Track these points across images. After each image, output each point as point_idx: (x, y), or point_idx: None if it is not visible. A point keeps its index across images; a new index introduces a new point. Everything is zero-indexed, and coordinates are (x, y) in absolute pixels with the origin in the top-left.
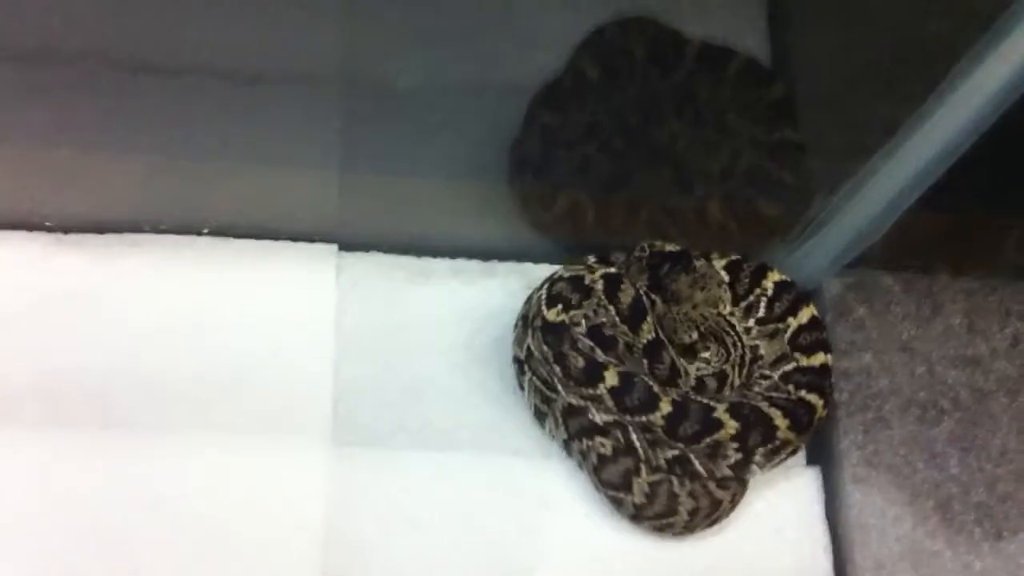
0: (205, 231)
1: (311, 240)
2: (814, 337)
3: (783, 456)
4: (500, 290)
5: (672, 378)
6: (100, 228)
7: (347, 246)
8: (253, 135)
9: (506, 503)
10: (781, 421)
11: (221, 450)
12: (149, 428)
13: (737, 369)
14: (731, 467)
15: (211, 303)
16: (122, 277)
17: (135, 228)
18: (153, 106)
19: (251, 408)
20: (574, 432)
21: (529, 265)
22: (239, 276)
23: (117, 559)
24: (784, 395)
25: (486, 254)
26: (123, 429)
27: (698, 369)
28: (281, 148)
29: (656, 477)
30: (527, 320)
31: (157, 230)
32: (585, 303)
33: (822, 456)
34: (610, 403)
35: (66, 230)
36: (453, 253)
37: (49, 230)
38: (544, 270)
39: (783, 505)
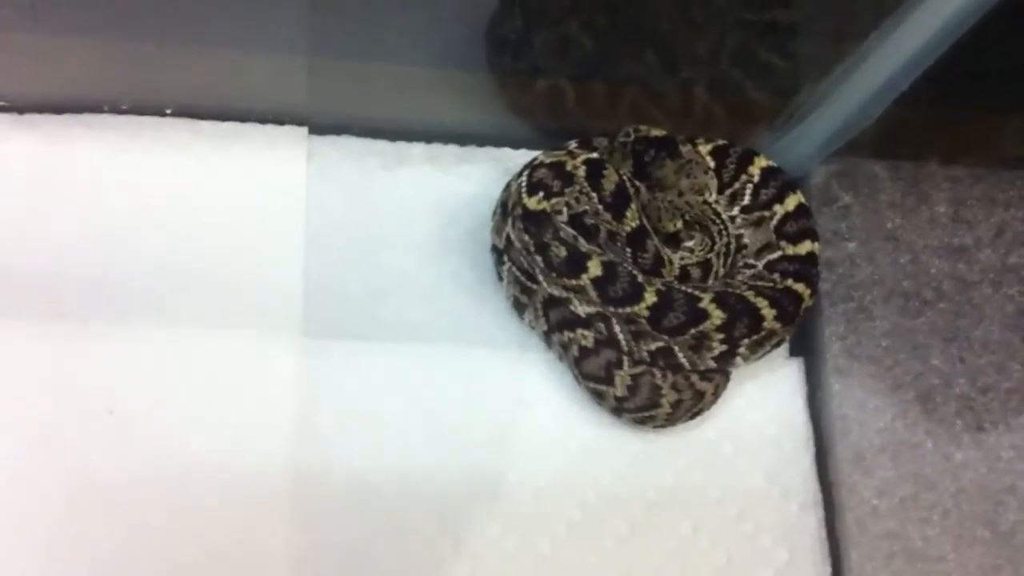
0: (168, 112)
1: (280, 122)
2: (801, 225)
3: (768, 348)
4: (477, 176)
5: (656, 267)
6: (57, 108)
7: (318, 129)
8: (218, 13)
9: (483, 396)
10: (768, 311)
11: (183, 346)
12: (104, 322)
13: (722, 258)
14: (715, 359)
15: (174, 188)
16: (79, 160)
17: (94, 108)
18: None
19: (215, 301)
20: (555, 324)
21: (507, 150)
22: (203, 160)
23: (68, 465)
24: (770, 284)
25: (463, 138)
26: (76, 324)
27: (682, 258)
28: (246, 26)
29: (638, 369)
30: (506, 208)
31: (117, 110)
32: (567, 190)
33: (805, 347)
34: (593, 294)
35: (21, 110)
36: (428, 137)
37: (3, 110)
38: (523, 156)
39: (765, 397)
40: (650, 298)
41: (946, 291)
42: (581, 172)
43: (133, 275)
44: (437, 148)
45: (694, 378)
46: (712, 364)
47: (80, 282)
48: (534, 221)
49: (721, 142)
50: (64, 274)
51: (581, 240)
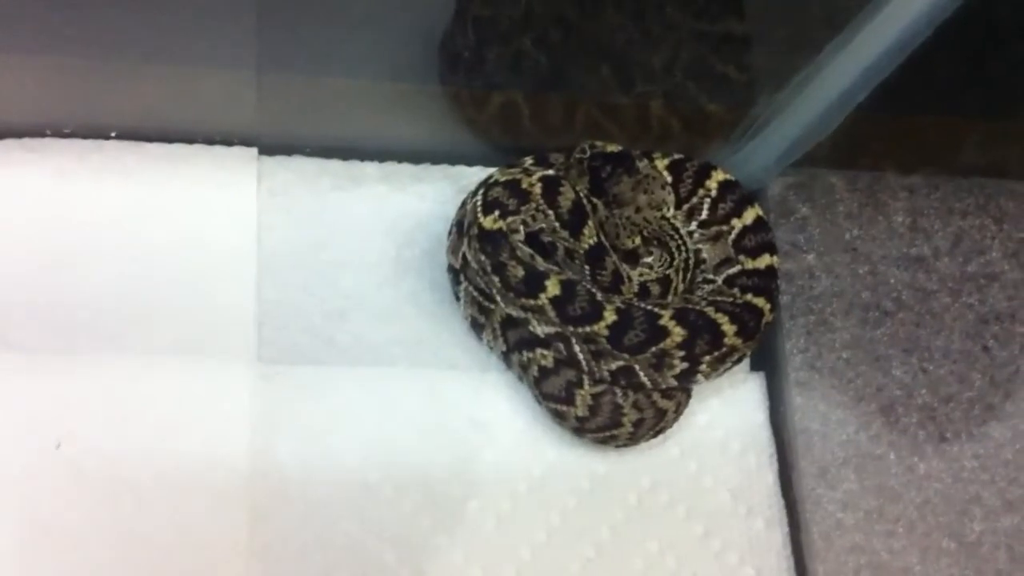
0: (113, 135)
1: (229, 143)
2: (759, 239)
3: (729, 364)
4: (432, 195)
5: (615, 284)
6: None
7: (268, 149)
8: (162, 30)
9: (443, 419)
10: (728, 327)
11: (133, 375)
12: (50, 353)
13: (681, 274)
14: (676, 376)
15: (121, 213)
16: (21, 186)
17: (36, 132)
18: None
19: (166, 328)
20: (514, 344)
21: (463, 168)
22: (151, 184)
23: (16, 503)
24: (730, 299)
25: (417, 157)
26: (20, 356)
27: (641, 274)
28: (192, 45)
29: (599, 389)
30: (462, 227)
31: (60, 134)
32: (523, 208)
33: (766, 361)
34: (552, 314)
35: None
36: (382, 156)
37: None
38: (478, 173)
39: (727, 413)
40: (610, 317)
41: (905, 301)
42: (537, 189)
43: (80, 304)
44: (391, 167)
45: (656, 396)
46: (673, 382)
47: (24, 312)
48: (490, 241)
49: (678, 156)
50: (7, 304)
51: (538, 259)
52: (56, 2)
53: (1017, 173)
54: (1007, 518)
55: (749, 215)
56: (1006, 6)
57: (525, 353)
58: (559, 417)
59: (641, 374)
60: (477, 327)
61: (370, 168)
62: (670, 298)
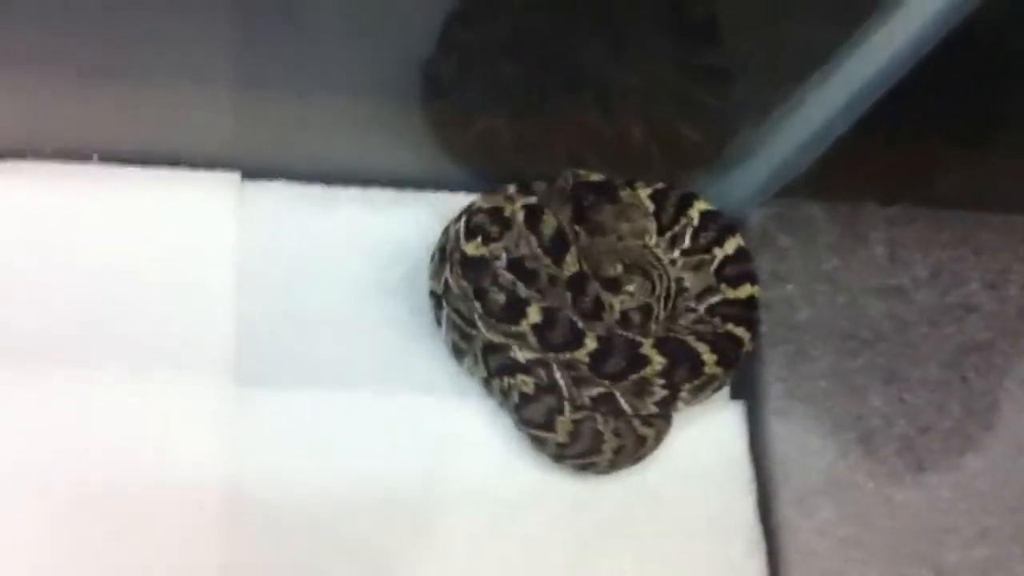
0: (94, 157)
1: (211, 167)
2: (741, 268)
3: (709, 392)
4: (413, 221)
5: (596, 312)
6: None
7: (250, 174)
8: (138, 51)
9: (421, 445)
10: (708, 356)
11: (107, 399)
12: (23, 375)
13: (663, 302)
14: (657, 404)
15: (100, 237)
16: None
17: (14, 155)
18: (30, 18)
19: (143, 352)
20: (495, 370)
21: (444, 194)
22: (132, 207)
23: None
24: (711, 329)
25: (399, 182)
26: None
27: (623, 303)
28: (170, 67)
29: (580, 415)
30: (444, 253)
31: (40, 156)
32: (506, 235)
33: (745, 390)
34: (533, 340)
35: None
36: (364, 182)
37: None
38: (460, 199)
39: (707, 441)
40: (591, 344)
41: (884, 331)
42: (520, 217)
43: (56, 325)
44: (373, 193)
45: (636, 423)
46: (654, 409)
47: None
48: (472, 267)
49: (660, 186)
50: None
51: (520, 286)
52: (32, 20)
53: (996, 206)
54: (982, 548)
55: (731, 244)
56: (989, 38)
57: (506, 379)
58: (539, 443)
59: (622, 401)
60: (458, 352)
61: (352, 193)
62: (652, 326)
